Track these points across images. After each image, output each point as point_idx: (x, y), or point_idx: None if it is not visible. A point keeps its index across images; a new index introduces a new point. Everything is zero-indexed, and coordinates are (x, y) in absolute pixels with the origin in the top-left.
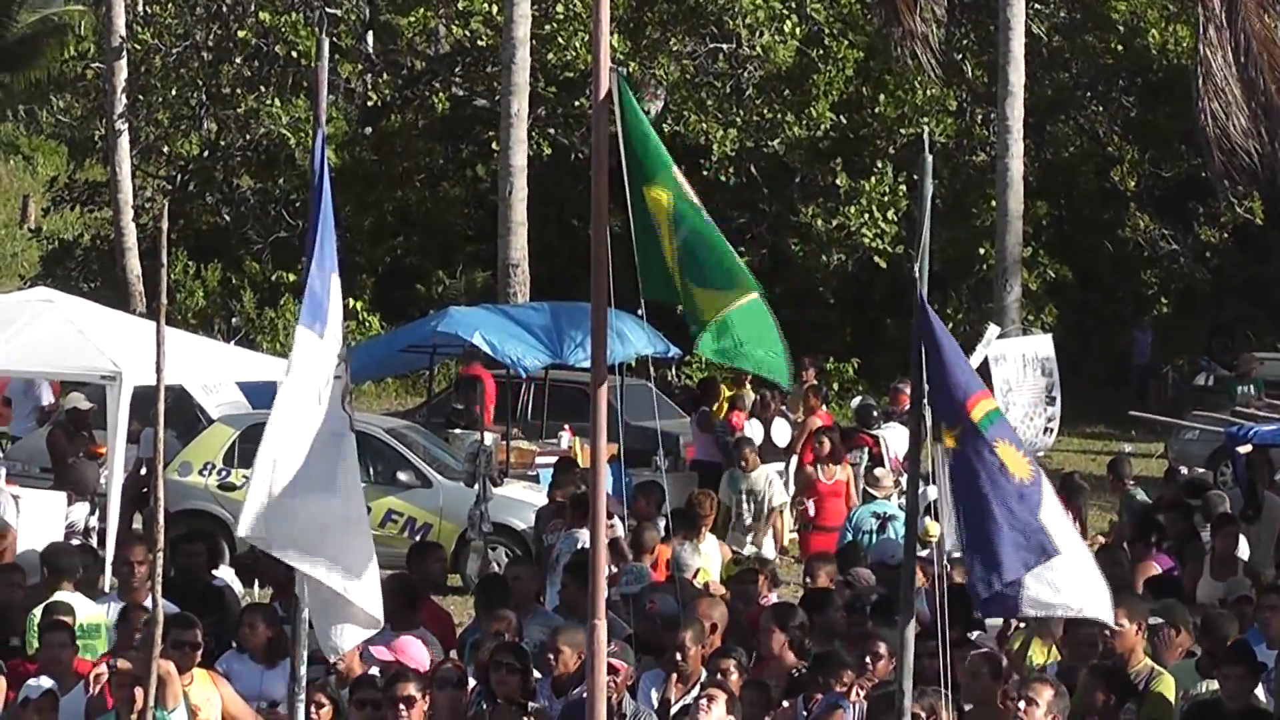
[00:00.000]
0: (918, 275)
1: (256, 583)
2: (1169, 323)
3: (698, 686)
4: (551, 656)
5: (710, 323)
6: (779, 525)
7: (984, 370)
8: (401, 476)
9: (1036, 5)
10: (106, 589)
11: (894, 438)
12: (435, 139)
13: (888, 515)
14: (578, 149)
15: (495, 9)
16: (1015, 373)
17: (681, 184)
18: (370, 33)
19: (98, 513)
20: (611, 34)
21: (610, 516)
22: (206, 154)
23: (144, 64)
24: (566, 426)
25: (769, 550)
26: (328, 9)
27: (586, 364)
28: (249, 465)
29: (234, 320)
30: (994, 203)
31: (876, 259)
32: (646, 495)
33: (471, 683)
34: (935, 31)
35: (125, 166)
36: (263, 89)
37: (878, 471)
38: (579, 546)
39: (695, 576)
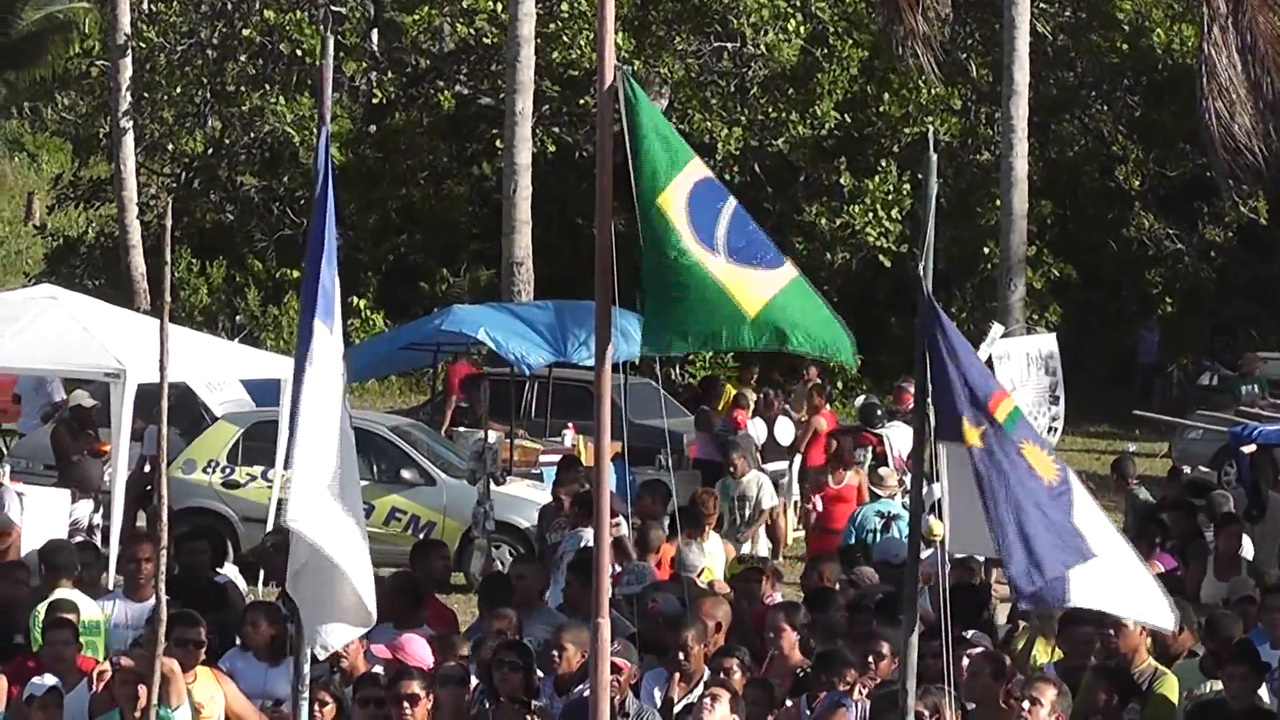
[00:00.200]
0: (922, 274)
1: (260, 580)
2: (1173, 322)
3: (701, 685)
4: (556, 654)
5: (750, 317)
6: (782, 524)
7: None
8: (405, 474)
9: (1041, 4)
10: (110, 587)
11: (898, 437)
12: (439, 137)
13: (891, 514)
14: (582, 147)
15: (500, 7)
16: (1019, 371)
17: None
18: (375, 30)
19: (101, 510)
20: (616, 32)
21: (614, 515)
22: (211, 151)
23: (149, 61)
24: (570, 425)
25: (761, 551)
26: (332, 7)
27: (590, 362)
28: (253, 463)
29: (238, 318)
30: (998, 202)
31: (880, 258)
32: (653, 494)
33: (474, 681)
34: (940, 30)
35: (130, 164)
36: (267, 87)
37: (882, 471)
38: (583, 545)
39: (699, 576)
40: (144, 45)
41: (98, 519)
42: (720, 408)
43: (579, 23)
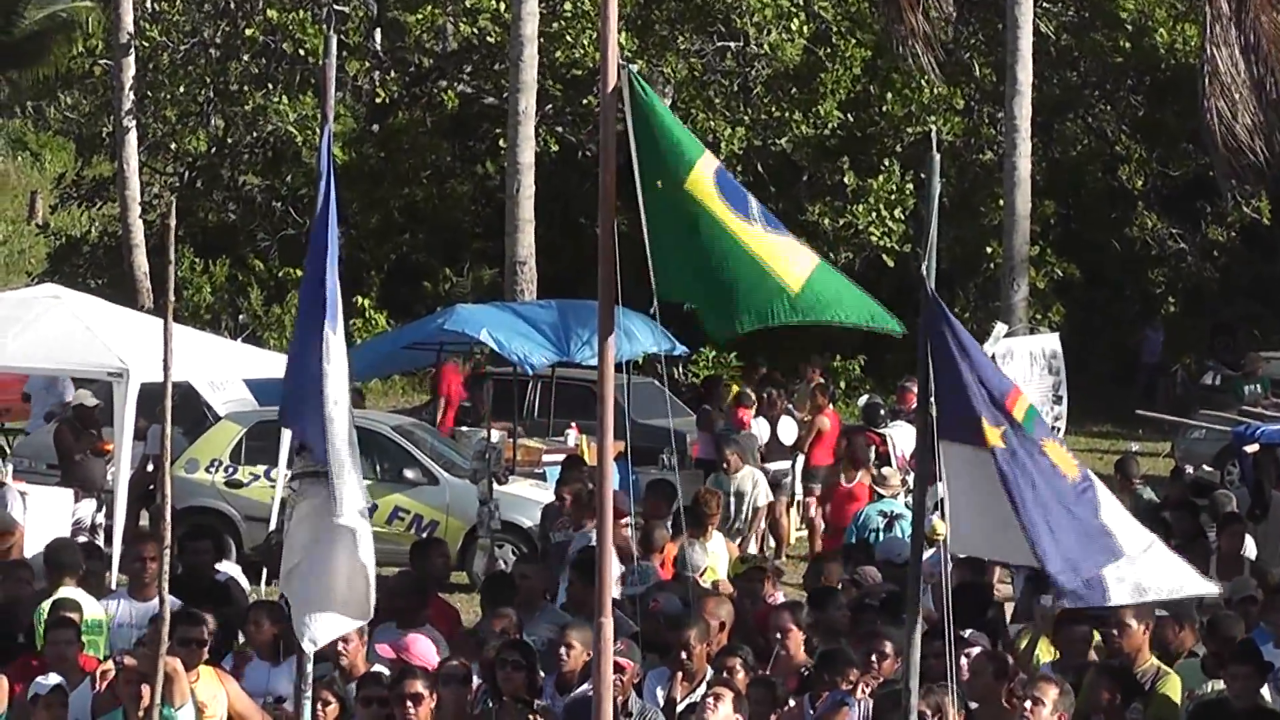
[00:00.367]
0: (926, 274)
1: (263, 579)
2: (1176, 322)
3: (704, 685)
4: (564, 651)
5: (794, 292)
6: (785, 523)
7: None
8: (408, 474)
9: (1044, 4)
10: (113, 586)
11: (901, 436)
12: (442, 136)
13: (894, 514)
14: (585, 146)
15: (503, 6)
16: (1022, 370)
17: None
18: (378, 30)
19: (104, 509)
20: (619, 31)
21: (624, 516)
22: (214, 151)
23: (152, 61)
24: (573, 424)
25: (751, 549)
26: (335, 6)
27: (593, 362)
28: (256, 462)
29: (241, 317)
30: (1001, 201)
31: (884, 257)
32: (659, 494)
33: (476, 680)
34: (943, 30)
35: (133, 163)
36: (270, 86)
37: (885, 470)
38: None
39: (702, 575)
40: (147, 44)
41: (100, 518)
42: (732, 404)
43: (582, 22)
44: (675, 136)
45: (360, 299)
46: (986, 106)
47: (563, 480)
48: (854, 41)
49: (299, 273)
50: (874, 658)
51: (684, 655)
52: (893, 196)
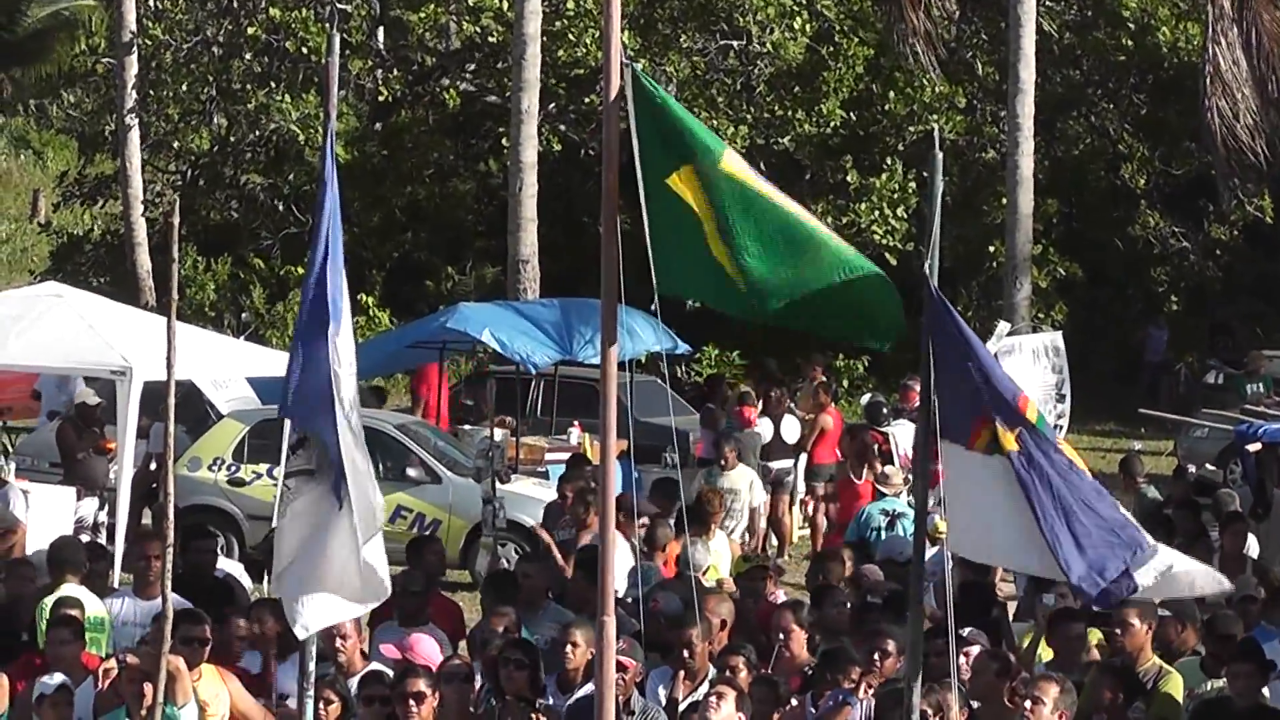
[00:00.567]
0: (928, 272)
1: (265, 578)
2: (1179, 320)
3: (706, 683)
4: (569, 649)
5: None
6: (787, 522)
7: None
8: (411, 472)
9: (1047, 2)
10: (116, 584)
11: (904, 435)
12: (445, 135)
13: (897, 512)
14: (588, 145)
15: (506, 5)
16: (1025, 366)
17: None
18: (381, 28)
19: (107, 508)
20: (622, 30)
21: (642, 515)
22: (216, 149)
23: (154, 59)
24: (576, 423)
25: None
26: (338, 4)
27: (596, 360)
28: (258, 461)
29: (243, 315)
30: (1004, 200)
31: (886, 256)
32: (662, 493)
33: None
34: (945, 28)
35: (135, 161)
36: (273, 85)
37: (887, 469)
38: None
39: (705, 574)
40: (149, 43)
41: (103, 517)
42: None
43: (585, 21)
44: (693, 126)
45: (364, 297)
46: (989, 105)
47: (566, 478)
48: (856, 40)
49: (301, 271)
50: (876, 656)
51: (686, 654)
52: (895, 195)
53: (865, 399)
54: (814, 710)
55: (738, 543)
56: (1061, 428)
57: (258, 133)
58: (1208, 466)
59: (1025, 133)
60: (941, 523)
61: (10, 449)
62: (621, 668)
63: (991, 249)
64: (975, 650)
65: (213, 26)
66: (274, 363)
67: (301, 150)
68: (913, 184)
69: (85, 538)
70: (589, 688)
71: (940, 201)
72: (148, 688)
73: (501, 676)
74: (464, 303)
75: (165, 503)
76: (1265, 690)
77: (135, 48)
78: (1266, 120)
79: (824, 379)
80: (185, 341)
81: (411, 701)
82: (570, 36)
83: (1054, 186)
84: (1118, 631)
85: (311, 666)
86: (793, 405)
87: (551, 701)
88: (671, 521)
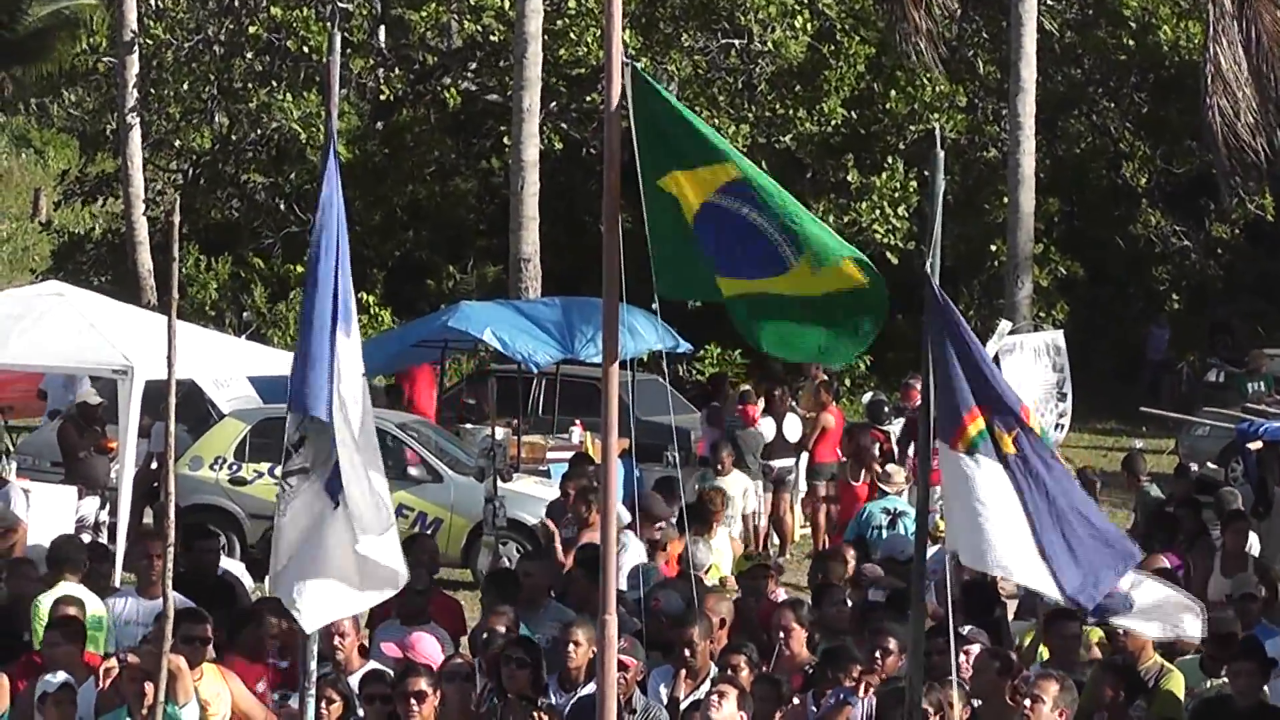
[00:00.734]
0: (930, 271)
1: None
2: (1180, 319)
3: (708, 682)
4: (571, 648)
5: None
6: (789, 521)
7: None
8: (412, 471)
9: (1048, 1)
10: (118, 584)
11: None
12: (446, 134)
13: (898, 511)
14: (589, 144)
15: (507, 4)
16: (1026, 364)
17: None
18: (382, 27)
19: (108, 507)
20: (623, 29)
21: (657, 520)
22: (218, 148)
23: (155, 58)
24: (578, 421)
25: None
26: (339, 3)
27: (598, 359)
28: (260, 460)
29: (245, 314)
30: (1005, 199)
31: (888, 255)
32: (664, 492)
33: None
34: (946, 27)
35: (136, 160)
36: (274, 84)
37: (889, 468)
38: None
39: (707, 573)
40: (151, 42)
41: (104, 516)
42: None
43: (586, 19)
44: (696, 128)
45: (365, 295)
46: (990, 104)
47: (569, 476)
48: (858, 39)
49: (302, 269)
50: (877, 655)
51: (688, 653)
52: (896, 194)
53: (867, 397)
54: (815, 709)
55: (739, 541)
56: (1063, 426)
57: (259, 132)
58: (1209, 465)
59: (1026, 131)
60: (943, 521)
61: (12, 448)
62: (623, 666)
63: (993, 248)
64: (976, 649)
65: (214, 25)
66: (275, 362)
67: (303, 149)
68: (914, 183)
69: (87, 537)
70: (591, 687)
71: (941, 200)
72: (149, 687)
73: (504, 675)
74: (465, 301)
75: (166, 502)
76: (1266, 689)
77: (136, 46)
78: (1267, 119)
79: (825, 378)
80: (186, 340)
81: (413, 700)
82: (572, 35)
83: (1055, 185)
84: (1119, 630)
85: (312, 665)
86: (794, 404)
87: (553, 700)
88: (673, 520)
